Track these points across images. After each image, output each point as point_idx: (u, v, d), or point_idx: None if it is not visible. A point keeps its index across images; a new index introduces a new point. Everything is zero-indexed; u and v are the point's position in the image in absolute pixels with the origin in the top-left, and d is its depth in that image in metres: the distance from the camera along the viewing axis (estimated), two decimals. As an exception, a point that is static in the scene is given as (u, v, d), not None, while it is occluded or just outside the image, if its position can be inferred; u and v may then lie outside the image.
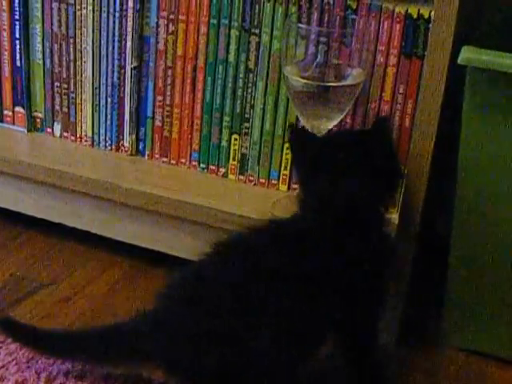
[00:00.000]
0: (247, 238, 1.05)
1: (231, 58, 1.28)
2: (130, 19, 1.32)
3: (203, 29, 1.28)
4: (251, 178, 1.33)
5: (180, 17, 1.29)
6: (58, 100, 1.43)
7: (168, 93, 1.34)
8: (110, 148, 1.41)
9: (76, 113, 1.42)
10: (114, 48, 1.35)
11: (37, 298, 1.28)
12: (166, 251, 1.32)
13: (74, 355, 1.09)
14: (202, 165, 1.35)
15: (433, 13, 1.08)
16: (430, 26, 1.13)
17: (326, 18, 1.21)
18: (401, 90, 1.20)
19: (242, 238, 1.06)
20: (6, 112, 1.48)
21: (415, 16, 1.16)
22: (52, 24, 1.39)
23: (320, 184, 1.07)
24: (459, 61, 1.00)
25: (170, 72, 1.33)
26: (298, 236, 1.02)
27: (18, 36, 1.42)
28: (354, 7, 1.19)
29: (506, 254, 1.13)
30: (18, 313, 1.23)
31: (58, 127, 1.45)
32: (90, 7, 1.34)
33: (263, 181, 1.32)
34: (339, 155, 1.06)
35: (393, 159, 1.10)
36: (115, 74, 1.36)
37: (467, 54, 1.00)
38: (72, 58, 1.39)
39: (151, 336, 0.99)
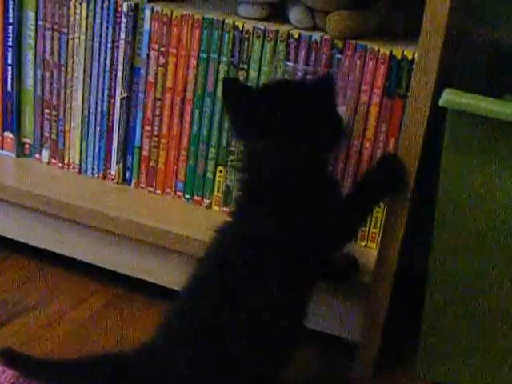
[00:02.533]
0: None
1: (219, 91, 1.30)
2: (121, 50, 1.35)
3: (193, 62, 1.31)
4: (235, 210, 1.35)
5: (170, 50, 1.31)
6: (47, 127, 1.45)
7: (156, 123, 1.36)
8: (97, 176, 1.43)
9: (64, 140, 1.44)
10: (104, 78, 1.37)
11: (20, 322, 1.28)
12: (150, 279, 1.34)
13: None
14: (186, 195, 1.37)
15: (416, 54, 1.11)
16: (414, 67, 1.16)
17: (313, 57, 1.23)
18: (383, 129, 1.23)
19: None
20: (-5, 137, 1.50)
21: (399, 57, 1.19)
22: (44, 52, 1.41)
23: (255, 143, 1.04)
24: (440, 103, 1.02)
25: (158, 103, 1.35)
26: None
27: (10, 62, 1.44)
28: (341, 46, 1.22)
29: (482, 293, 1.14)
30: (0, 336, 1.24)
31: (46, 153, 1.46)
32: (83, 36, 1.37)
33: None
34: (274, 110, 1.03)
35: (331, 113, 1.07)
36: (105, 103, 1.39)
37: (448, 97, 1.03)
38: (63, 85, 1.41)
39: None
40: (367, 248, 1.29)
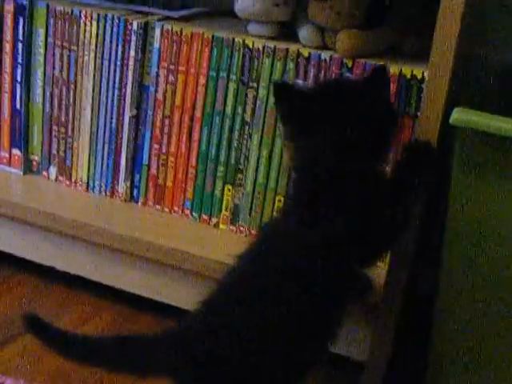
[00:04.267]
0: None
1: (228, 109, 1.30)
2: (130, 68, 1.35)
3: (202, 80, 1.31)
4: (242, 229, 1.34)
5: (180, 68, 1.32)
6: (54, 144, 1.45)
7: (164, 141, 1.36)
8: (104, 193, 1.43)
9: (72, 157, 1.44)
10: (113, 95, 1.38)
11: (26, 340, 1.27)
12: (157, 298, 1.33)
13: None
14: (194, 214, 1.37)
15: (426, 73, 1.11)
16: (423, 86, 1.16)
17: (322, 75, 1.23)
18: (393, 147, 1.22)
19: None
20: (2, 154, 1.50)
21: (408, 76, 1.19)
22: (53, 69, 1.42)
23: (310, 145, 1.04)
24: (451, 121, 1.02)
25: (167, 121, 1.35)
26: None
27: (19, 79, 1.44)
28: (350, 65, 1.22)
29: (493, 325, 1.13)
30: (6, 354, 1.24)
31: (53, 171, 1.46)
32: (92, 54, 1.37)
33: (254, 232, 1.33)
34: (327, 110, 1.03)
35: (389, 108, 1.09)
36: (113, 120, 1.39)
37: (458, 115, 1.02)
38: (71, 103, 1.41)
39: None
40: (375, 267, 1.28)
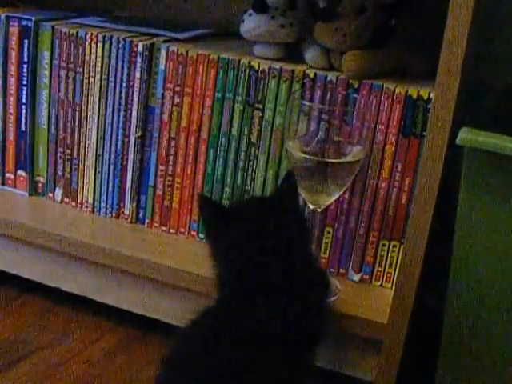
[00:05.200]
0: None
1: (234, 131, 1.31)
2: (136, 89, 1.35)
3: (208, 102, 1.31)
4: (249, 250, 1.34)
5: (186, 89, 1.32)
6: (60, 165, 1.45)
7: (170, 163, 1.36)
8: (110, 215, 1.43)
9: (78, 179, 1.44)
10: (119, 117, 1.38)
11: (32, 362, 1.27)
12: (163, 319, 1.33)
13: None
14: (200, 235, 1.37)
15: (432, 94, 1.11)
16: (429, 106, 1.16)
17: (329, 96, 1.24)
18: (399, 168, 1.23)
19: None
20: (8, 175, 1.50)
21: (415, 96, 1.19)
22: (59, 91, 1.42)
23: (232, 260, 1.09)
24: (458, 141, 1.02)
25: (173, 143, 1.35)
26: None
27: (24, 101, 1.45)
28: (356, 86, 1.22)
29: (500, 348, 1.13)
30: (12, 375, 1.23)
31: (59, 192, 1.47)
32: (98, 76, 1.37)
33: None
34: (247, 229, 1.09)
35: (301, 220, 1.15)
36: (119, 142, 1.39)
37: (465, 135, 1.03)
38: (77, 124, 1.42)
39: None
40: (382, 288, 1.28)
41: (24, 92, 1.44)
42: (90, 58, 1.38)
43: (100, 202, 1.43)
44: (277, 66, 1.26)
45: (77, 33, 1.38)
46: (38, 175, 1.48)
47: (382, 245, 1.26)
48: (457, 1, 1.02)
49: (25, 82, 1.44)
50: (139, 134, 1.37)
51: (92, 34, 1.37)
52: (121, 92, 1.37)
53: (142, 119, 1.37)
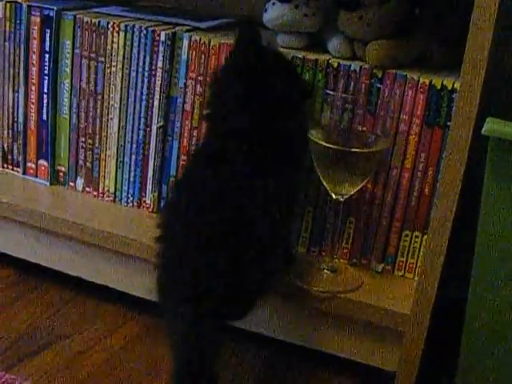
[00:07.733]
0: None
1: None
2: (158, 79, 1.35)
3: (230, 91, 1.31)
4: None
5: (208, 79, 1.32)
6: (81, 155, 1.45)
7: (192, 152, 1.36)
8: (131, 204, 1.43)
9: (99, 168, 1.44)
10: (141, 106, 1.38)
11: (53, 351, 1.28)
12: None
13: None
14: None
15: (457, 84, 1.10)
16: (453, 96, 1.16)
17: (352, 86, 1.23)
18: (422, 159, 1.22)
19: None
20: (29, 164, 1.50)
21: (439, 87, 1.19)
22: (80, 80, 1.42)
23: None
24: (483, 131, 1.02)
25: (195, 132, 1.35)
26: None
27: (46, 90, 1.45)
28: (380, 76, 1.22)
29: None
30: (34, 364, 1.24)
31: (80, 182, 1.47)
32: (120, 65, 1.37)
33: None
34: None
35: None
36: (141, 131, 1.39)
37: (491, 125, 1.02)
38: (99, 114, 1.42)
39: None
40: (405, 278, 1.28)
41: (46, 81, 1.44)
42: (112, 47, 1.37)
43: (122, 192, 1.43)
44: (300, 55, 1.26)
45: (99, 22, 1.38)
46: (60, 164, 1.48)
47: (405, 235, 1.26)
48: (483, -10, 1.01)
49: (46, 72, 1.44)
50: (161, 124, 1.37)
51: (114, 23, 1.37)
52: (143, 81, 1.37)
53: (163, 109, 1.36)
